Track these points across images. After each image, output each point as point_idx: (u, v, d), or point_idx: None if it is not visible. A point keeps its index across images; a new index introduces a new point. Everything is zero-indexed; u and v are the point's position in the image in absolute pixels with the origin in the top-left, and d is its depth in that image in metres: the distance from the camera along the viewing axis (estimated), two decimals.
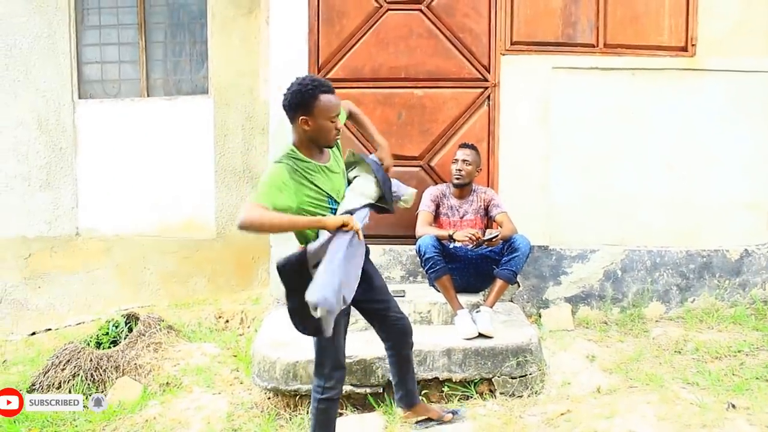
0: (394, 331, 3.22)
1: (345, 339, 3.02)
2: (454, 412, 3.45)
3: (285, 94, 2.79)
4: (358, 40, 4.64)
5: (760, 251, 4.83)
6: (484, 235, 4.31)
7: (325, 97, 2.75)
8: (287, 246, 4.56)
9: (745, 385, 3.54)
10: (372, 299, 3.14)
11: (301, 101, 2.74)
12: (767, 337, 4.21)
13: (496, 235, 4.02)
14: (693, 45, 4.68)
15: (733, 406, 3.24)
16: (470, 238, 3.97)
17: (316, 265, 2.66)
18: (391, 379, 3.42)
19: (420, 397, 3.46)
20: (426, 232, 4.18)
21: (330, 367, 2.94)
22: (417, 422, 3.38)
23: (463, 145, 4.40)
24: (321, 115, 2.75)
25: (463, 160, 4.32)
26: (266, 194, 2.65)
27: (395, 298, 4.06)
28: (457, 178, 4.33)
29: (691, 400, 3.37)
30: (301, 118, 2.75)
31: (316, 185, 2.80)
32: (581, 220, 4.75)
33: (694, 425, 3.09)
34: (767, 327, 4.39)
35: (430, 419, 3.39)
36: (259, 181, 2.74)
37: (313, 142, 2.82)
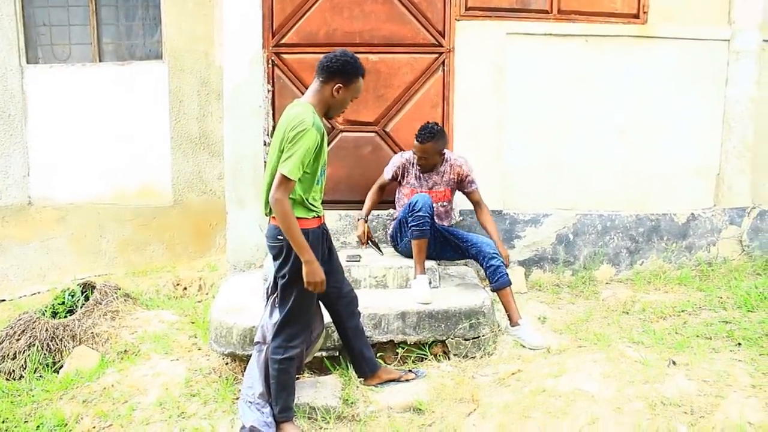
0: (341, 306, 3.35)
1: None
2: (415, 372, 3.55)
3: (331, 57, 2.94)
4: (313, 4, 4.58)
5: (706, 215, 4.99)
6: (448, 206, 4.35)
7: (361, 80, 3.03)
8: (243, 212, 4.57)
9: (686, 342, 3.69)
10: (330, 283, 3.20)
11: (346, 70, 2.94)
12: (710, 297, 4.38)
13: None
14: (645, 12, 4.74)
15: (674, 362, 3.37)
16: (361, 239, 4.23)
17: None
18: (347, 353, 3.50)
19: (379, 361, 3.54)
20: (367, 199, 4.33)
21: (300, 327, 3.07)
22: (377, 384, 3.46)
23: (423, 140, 4.06)
24: (351, 92, 3.01)
25: (421, 156, 4.12)
26: (299, 166, 2.82)
27: (351, 263, 4.13)
28: (422, 170, 4.23)
29: (635, 357, 3.49)
30: (337, 84, 2.94)
31: (323, 150, 2.98)
32: (534, 186, 4.84)
33: (636, 381, 3.21)
34: (710, 288, 4.57)
35: (390, 380, 3.48)
36: (294, 139, 2.82)
37: (328, 109, 3.03)
